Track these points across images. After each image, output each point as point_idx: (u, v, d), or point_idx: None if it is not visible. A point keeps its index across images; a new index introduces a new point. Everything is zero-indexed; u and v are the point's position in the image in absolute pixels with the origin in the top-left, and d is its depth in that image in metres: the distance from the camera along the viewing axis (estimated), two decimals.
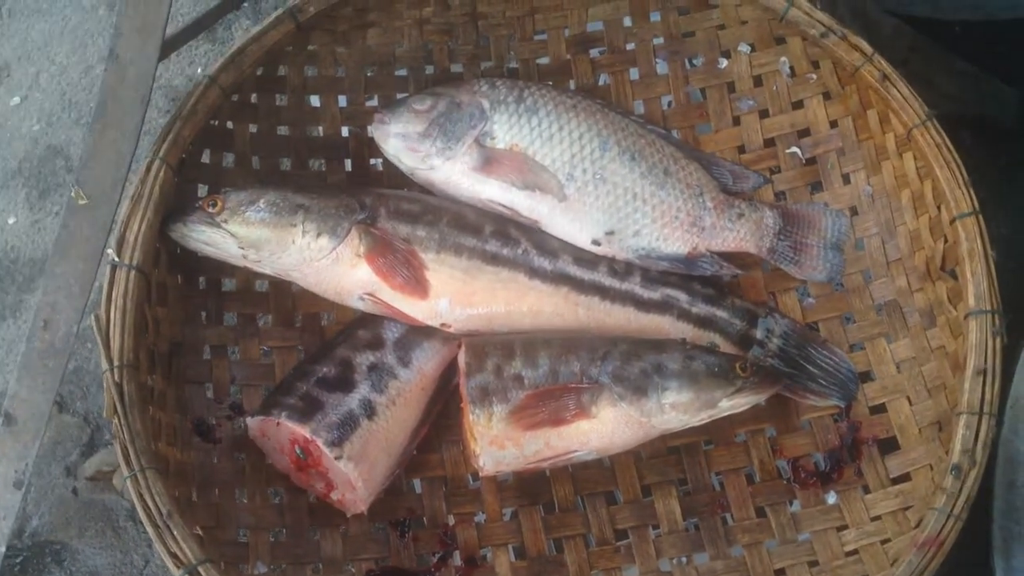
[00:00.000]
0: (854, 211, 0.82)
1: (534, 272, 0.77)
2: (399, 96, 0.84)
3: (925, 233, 0.77)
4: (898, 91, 0.76)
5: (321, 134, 0.83)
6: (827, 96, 0.83)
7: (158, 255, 0.72)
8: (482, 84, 0.81)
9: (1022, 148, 1.02)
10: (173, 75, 1.09)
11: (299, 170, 0.82)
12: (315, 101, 0.83)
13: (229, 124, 0.79)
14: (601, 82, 0.87)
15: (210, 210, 0.73)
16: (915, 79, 0.91)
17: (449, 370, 0.77)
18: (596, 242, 0.79)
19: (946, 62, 1.00)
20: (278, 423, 0.71)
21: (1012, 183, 1.01)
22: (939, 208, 0.75)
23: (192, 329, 0.76)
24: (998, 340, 0.69)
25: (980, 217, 0.72)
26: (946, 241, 0.74)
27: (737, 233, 0.81)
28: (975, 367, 0.68)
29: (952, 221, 0.73)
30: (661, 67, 0.88)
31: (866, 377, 0.79)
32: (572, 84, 0.87)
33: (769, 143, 0.85)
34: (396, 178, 0.82)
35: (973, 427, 0.67)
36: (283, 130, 0.82)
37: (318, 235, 0.74)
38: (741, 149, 0.85)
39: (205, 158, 0.79)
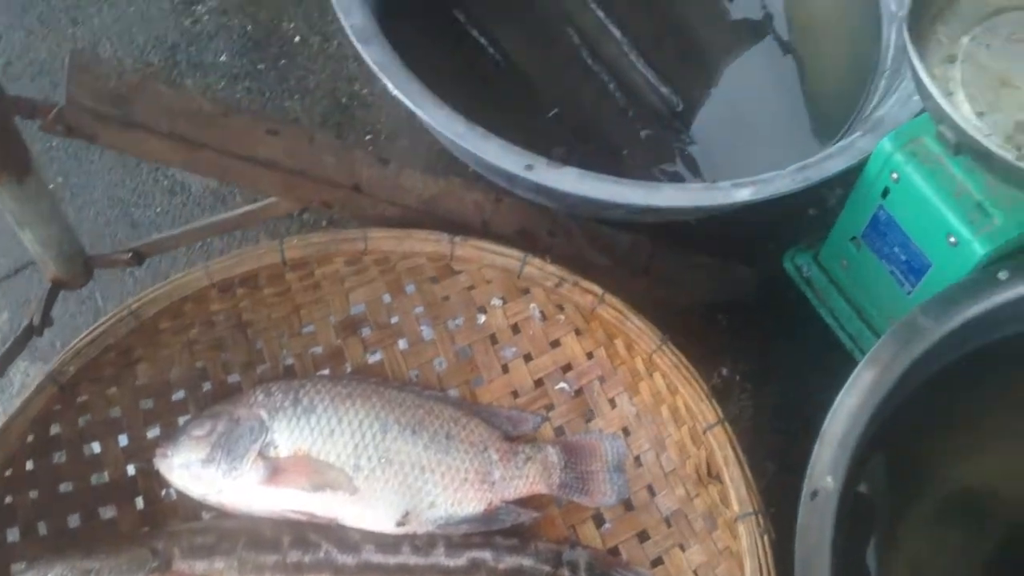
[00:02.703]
0: (626, 431, 0.88)
1: (339, 571, 0.78)
2: (180, 420, 0.86)
3: (688, 443, 0.84)
4: (632, 323, 0.84)
5: (107, 479, 0.84)
6: (578, 332, 0.91)
7: None
8: (258, 394, 0.85)
9: (770, 320, 1.12)
10: None
11: (89, 522, 0.82)
12: (95, 447, 0.85)
13: (8, 499, 0.79)
14: (375, 359, 0.93)
15: None
16: (660, 283, 1.01)
17: None
18: (398, 523, 0.82)
19: (686, 259, 1.10)
20: None
21: (770, 352, 1.11)
22: (693, 419, 0.82)
23: None
24: (766, 537, 0.75)
25: (726, 425, 0.79)
26: (707, 449, 0.81)
27: (527, 478, 0.86)
28: (751, 569, 0.74)
29: (704, 432, 0.80)
30: (427, 332, 0.94)
31: None
32: (348, 366, 0.92)
33: (539, 383, 0.91)
34: (191, 504, 0.83)
35: None
36: (66, 487, 0.82)
37: None
38: (515, 394, 0.91)
39: None
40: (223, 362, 0.89)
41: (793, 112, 1.14)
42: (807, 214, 1.15)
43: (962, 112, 0.81)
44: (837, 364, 0.88)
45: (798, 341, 1.11)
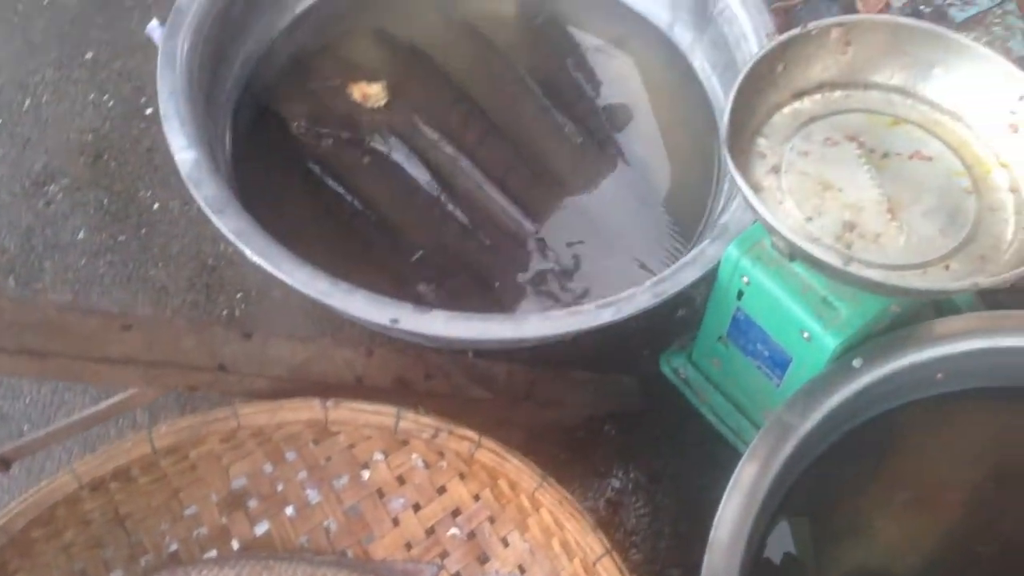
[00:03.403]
0: (522, 569, 0.89)
1: None
2: None
3: (582, 573, 0.84)
4: (511, 464, 0.85)
5: None
6: (462, 476, 0.91)
7: None
8: None
9: (656, 423, 1.14)
10: None
11: None
12: None
13: None
14: (262, 530, 0.91)
15: None
16: (544, 407, 1.02)
17: None
18: None
19: (566, 378, 1.13)
20: None
21: (661, 456, 1.13)
22: (582, 551, 0.83)
23: None
24: None
25: (614, 555, 0.80)
26: None
27: None
28: None
29: (594, 564, 0.80)
30: (313, 496, 0.93)
31: None
32: (235, 543, 0.90)
33: (430, 531, 0.91)
34: None
35: None
36: None
37: None
38: (408, 546, 0.91)
39: None
40: (104, 560, 0.87)
41: (648, 219, 1.18)
42: (678, 315, 1.19)
43: (793, 219, 0.85)
44: (725, 459, 0.90)
45: (686, 441, 1.13)
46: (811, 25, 0.89)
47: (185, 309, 1.18)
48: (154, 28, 1.24)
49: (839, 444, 0.92)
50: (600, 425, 1.13)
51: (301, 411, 0.87)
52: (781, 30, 1.30)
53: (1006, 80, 0.88)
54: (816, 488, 0.91)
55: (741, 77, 0.87)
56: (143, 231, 1.23)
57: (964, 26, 1.39)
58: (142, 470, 0.86)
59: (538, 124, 1.23)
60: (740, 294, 0.94)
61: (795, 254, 0.83)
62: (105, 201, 1.25)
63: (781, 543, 0.90)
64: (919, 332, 0.90)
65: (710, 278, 0.98)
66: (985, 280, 0.77)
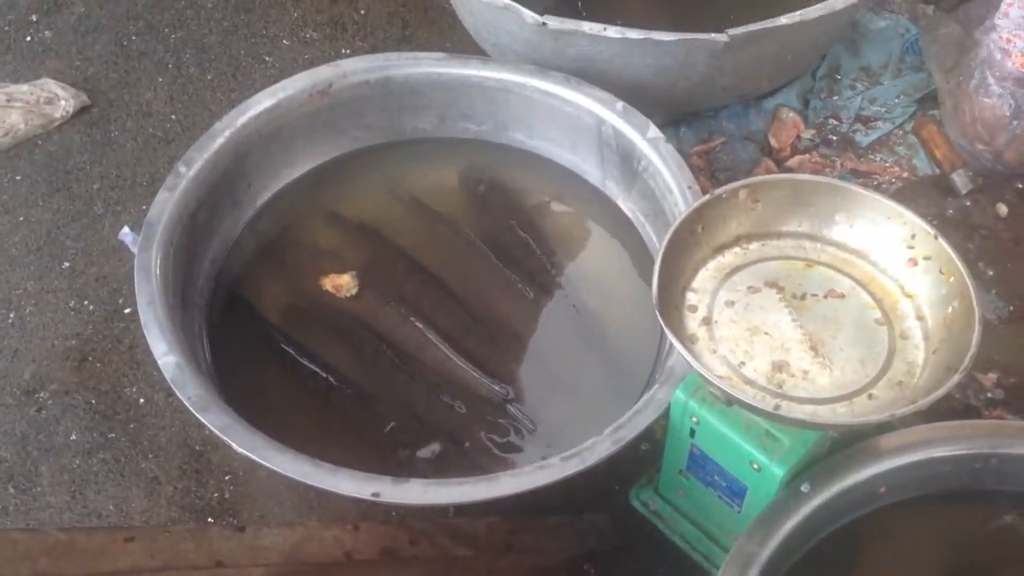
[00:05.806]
0: None
1: None
2: None
3: None
4: None
5: None
6: None
7: None
8: None
9: (632, 556, 1.21)
10: None
11: None
12: None
13: None
14: None
15: None
16: (526, 555, 1.08)
17: None
18: None
19: (543, 524, 1.19)
20: None
21: None
22: None
23: None
24: None
25: None
26: None
27: None
28: None
29: None
30: None
31: None
32: None
33: None
34: None
35: None
36: None
37: None
38: None
39: None
40: None
41: (602, 365, 1.27)
42: (641, 450, 1.26)
43: (728, 365, 0.94)
44: None
45: (662, 571, 1.19)
46: (720, 190, 1.00)
47: (178, 497, 1.24)
48: (126, 234, 1.34)
49: (801, 563, 0.99)
50: (580, 564, 1.19)
51: None
52: (703, 171, 1.43)
53: (899, 221, 0.99)
54: None
55: (665, 243, 0.97)
56: (131, 426, 1.30)
57: (870, 148, 1.52)
58: None
59: (491, 284, 1.33)
60: (692, 432, 1.02)
61: (730, 400, 0.92)
62: (93, 401, 1.32)
63: None
64: (860, 452, 0.98)
65: (665, 418, 1.06)
66: (900, 411, 0.86)
